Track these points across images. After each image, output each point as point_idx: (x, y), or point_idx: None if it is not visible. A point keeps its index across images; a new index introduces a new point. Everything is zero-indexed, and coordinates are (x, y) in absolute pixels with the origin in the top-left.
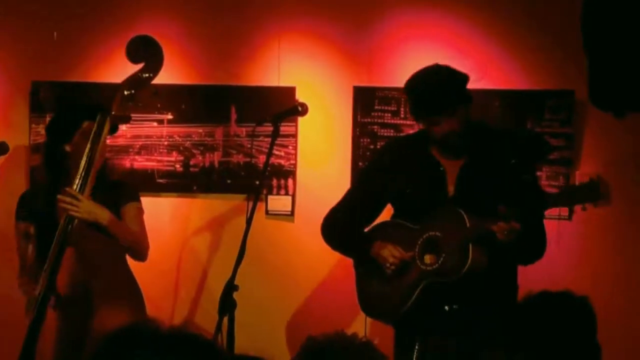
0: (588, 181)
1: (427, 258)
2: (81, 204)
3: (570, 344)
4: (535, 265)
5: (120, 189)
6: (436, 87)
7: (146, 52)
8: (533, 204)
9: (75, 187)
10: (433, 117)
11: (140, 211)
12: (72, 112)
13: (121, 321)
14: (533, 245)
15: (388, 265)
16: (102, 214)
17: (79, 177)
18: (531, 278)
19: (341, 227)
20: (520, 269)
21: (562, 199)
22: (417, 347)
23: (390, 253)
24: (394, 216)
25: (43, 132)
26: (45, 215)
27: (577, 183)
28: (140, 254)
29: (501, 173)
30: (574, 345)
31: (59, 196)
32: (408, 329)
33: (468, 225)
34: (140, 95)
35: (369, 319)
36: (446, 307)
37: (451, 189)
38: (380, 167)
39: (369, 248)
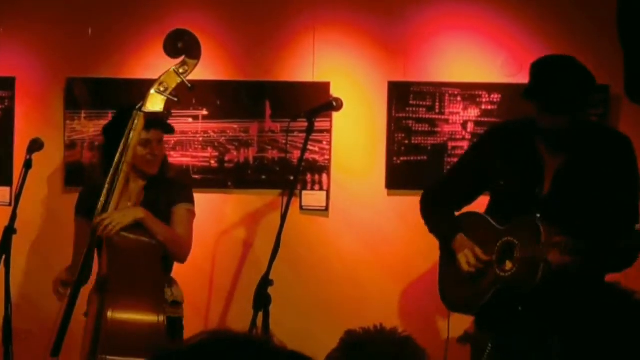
0: None
1: (507, 264)
2: (111, 219)
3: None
4: None
5: (175, 188)
6: (563, 86)
7: (184, 46)
8: (605, 237)
9: (103, 196)
10: (538, 105)
11: (190, 213)
12: (128, 112)
13: (131, 321)
14: (611, 264)
15: (462, 268)
16: (135, 213)
17: (107, 184)
18: None
19: (434, 202)
20: None
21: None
22: (489, 346)
23: (466, 259)
24: (489, 205)
25: (78, 128)
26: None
27: None
28: (179, 254)
29: (600, 181)
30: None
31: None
32: (484, 325)
33: (543, 241)
34: (176, 90)
35: (405, 315)
36: (520, 308)
37: (548, 186)
38: (482, 150)
39: (451, 238)
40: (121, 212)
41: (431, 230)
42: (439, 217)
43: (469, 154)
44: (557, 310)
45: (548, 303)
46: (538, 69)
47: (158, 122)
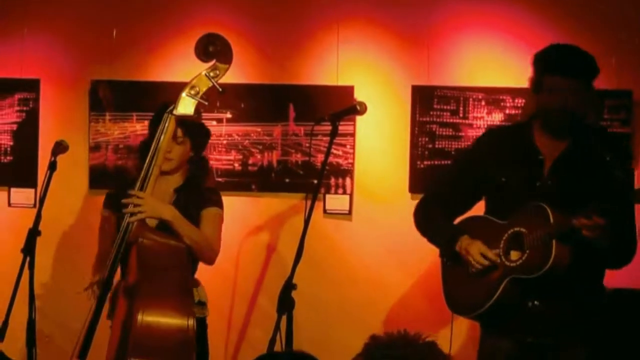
0: None
1: (513, 254)
2: (143, 202)
3: None
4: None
5: (206, 194)
6: (573, 50)
7: (215, 50)
8: (619, 200)
9: (137, 186)
10: (556, 77)
11: (219, 217)
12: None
13: (161, 324)
14: (621, 246)
15: (474, 265)
16: (165, 210)
17: (141, 175)
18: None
19: (431, 212)
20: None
21: None
22: (503, 343)
23: (479, 253)
24: (486, 208)
25: (102, 130)
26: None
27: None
28: (206, 256)
29: (596, 168)
30: None
31: (122, 200)
32: (492, 325)
33: (552, 221)
34: (207, 94)
35: (428, 320)
36: (529, 304)
37: (546, 177)
38: (477, 153)
39: (454, 241)
40: (155, 202)
41: (431, 238)
42: (439, 224)
43: (463, 158)
44: (566, 305)
45: (557, 297)
46: (543, 50)
47: (183, 122)
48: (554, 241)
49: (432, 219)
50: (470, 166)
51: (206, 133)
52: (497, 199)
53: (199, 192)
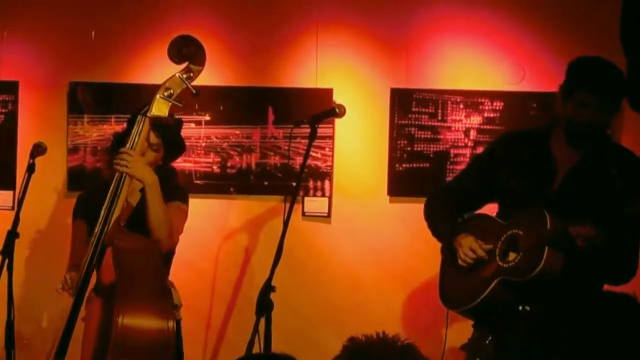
0: None
1: (511, 256)
2: (132, 159)
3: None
4: None
5: (172, 190)
6: (612, 69)
7: (188, 52)
8: (616, 213)
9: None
10: (590, 94)
11: (183, 211)
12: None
13: (141, 327)
14: (619, 262)
15: (462, 258)
16: (149, 174)
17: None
18: None
19: (438, 206)
20: None
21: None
22: (488, 342)
23: (469, 247)
24: (498, 211)
25: (81, 132)
26: (98, 213)
27: None
28: (163, 238)
29: (604, 181)
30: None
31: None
32: (481, 322)
33: (549, 226)
34: (181, 96)
35: (407, 322)
36: (520, 307)
37: (558, 185)
38: (492, 154)
39: (455, 236)
40: (142, 164)
41: (434, 231)
42: (444, 218)
43: (478, 158)
44: (558, 312)
45: (549, 304)
46: (581, 61)
47: (161, 130)
48: (546, 247)
49: (438, 214)
50: (482, 166)
51: (182, 147)
52: (506, 203)
53: (166, 189)
